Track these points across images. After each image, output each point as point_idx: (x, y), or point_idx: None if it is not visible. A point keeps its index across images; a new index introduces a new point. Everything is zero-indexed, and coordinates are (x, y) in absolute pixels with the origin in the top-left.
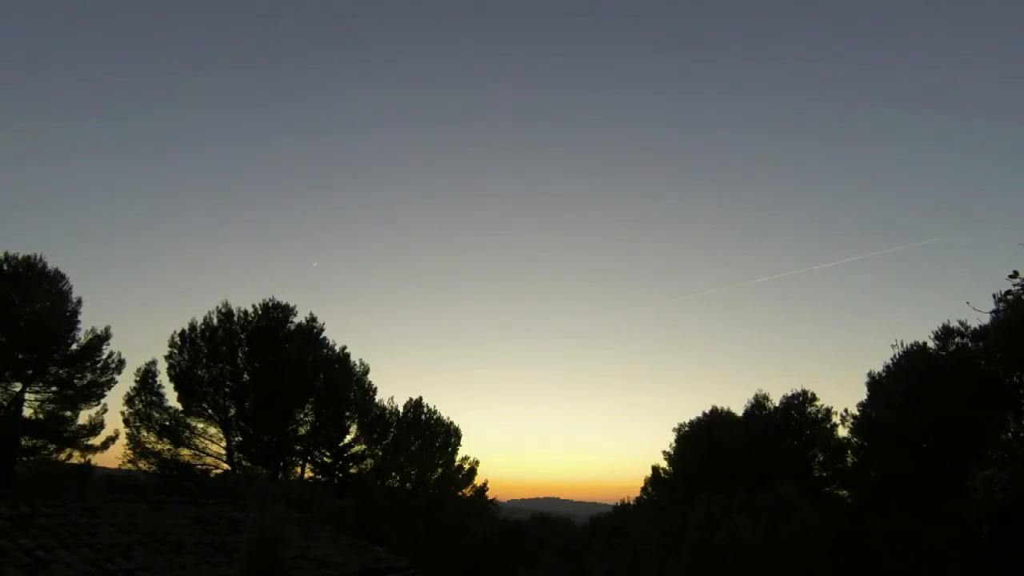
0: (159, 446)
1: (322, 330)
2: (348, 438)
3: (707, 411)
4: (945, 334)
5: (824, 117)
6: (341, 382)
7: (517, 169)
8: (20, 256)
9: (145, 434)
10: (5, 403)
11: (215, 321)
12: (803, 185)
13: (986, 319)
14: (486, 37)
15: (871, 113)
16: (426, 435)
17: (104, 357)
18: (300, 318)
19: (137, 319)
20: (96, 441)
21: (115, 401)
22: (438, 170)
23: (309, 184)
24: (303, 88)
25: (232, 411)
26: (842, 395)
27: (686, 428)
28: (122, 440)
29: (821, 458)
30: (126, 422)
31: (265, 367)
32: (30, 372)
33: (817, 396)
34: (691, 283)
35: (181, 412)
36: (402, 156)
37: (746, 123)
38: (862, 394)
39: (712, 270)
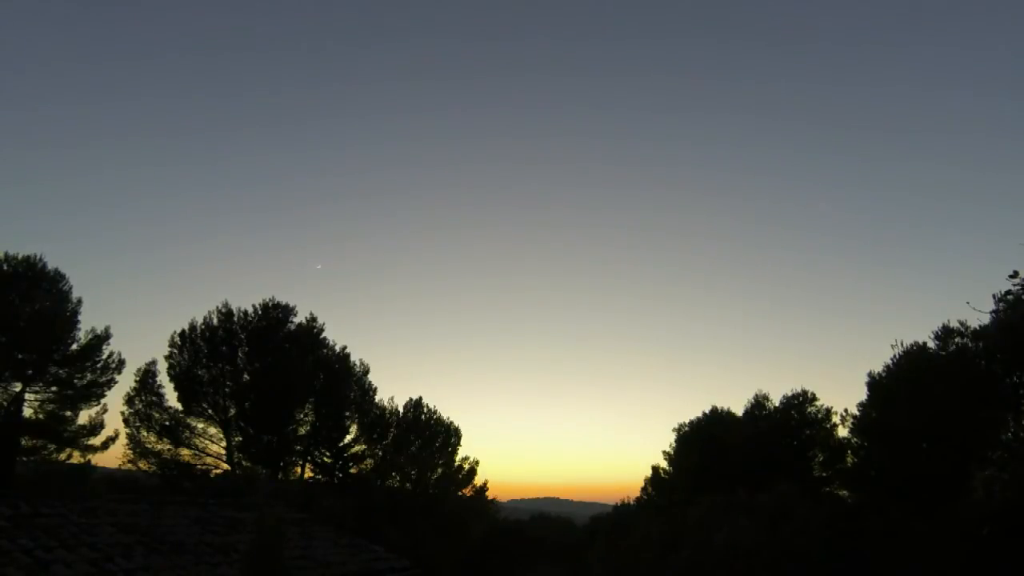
0: (159, 446)
1: (322, 330)
2: (348, 438)
3: (707, 411)
4: (945, 334)
5: (822, 117)
6: (341, 382)
7: (516, 172)
8: (20, 256)
9: (145, 434)
10: (5, 403)
11: (215, 321)
12: (803, 186)
13: (986, 319)
14: (488, 52)
15: (870, 113)
16: (426, 435)
17: (104, 357)
18: (300, 318)
19: (137, 319)
20: (96, 441)
21: (115, 401)
22: (439, 171)
23: (309, 184)
24: (305, 90)
25: (232, 411)
26: (842, 395)
27: (686, 428)
28: (122, 440)
29: (821, 458)
30: (126, 422)
31: (265, 367)
32: (30, 372)
33: (817, 396)
34: (691, 283)
35: (181, 412)
36: (403, 157)
37: (746, 128)
38: (862, 394)
39: (712, 270)
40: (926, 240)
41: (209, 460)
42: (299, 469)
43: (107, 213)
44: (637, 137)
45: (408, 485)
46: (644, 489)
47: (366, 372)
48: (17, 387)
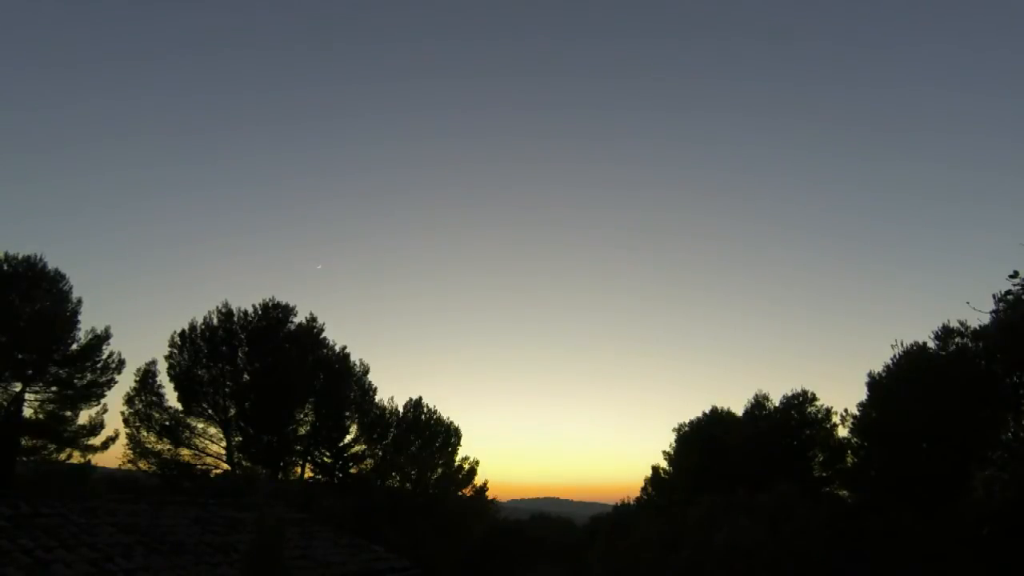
0: (159, 446)
1: (322, 330)
2: (348, 438)
3: (707, 411)
4: (945, 334)
5: (822, 116)
6: (341, 382)
7: (516, 172)
8: (20, 256)
9: (145, 434)
10: (5, 403)
11: (215, 321)
12: (803, 185)
13: (986, 319)
14: (487, 52)
15: (870, 113)
16: (426, 435)
17: (104, 357)
18: (300, 318)
19: (137, 319)
20: (96, 441)
21: (115, 401)
22: (439, 171)
23: (309, 184)
24: (305, 90)
25: (232, 411)
26: (842, 395)
27: (686, 428)
28: (122, 440)
29: (821, 458)
30: (126, 422)
31: (265, 367)
32: (30, 372)
33: (817, 396)
34: (692, 284)
35: (181, 412)
36: (404, 157)
37: (746, 128)
38: (862, 394)
39: (712, 270)
40: (926, 240)
41: (209, 460)
42: (299, 469)
43: (107, 213)
44: (637, 137)
45: (408, 485)
46: (644, 489)
47: (366, 372)
48: (17, 387)
